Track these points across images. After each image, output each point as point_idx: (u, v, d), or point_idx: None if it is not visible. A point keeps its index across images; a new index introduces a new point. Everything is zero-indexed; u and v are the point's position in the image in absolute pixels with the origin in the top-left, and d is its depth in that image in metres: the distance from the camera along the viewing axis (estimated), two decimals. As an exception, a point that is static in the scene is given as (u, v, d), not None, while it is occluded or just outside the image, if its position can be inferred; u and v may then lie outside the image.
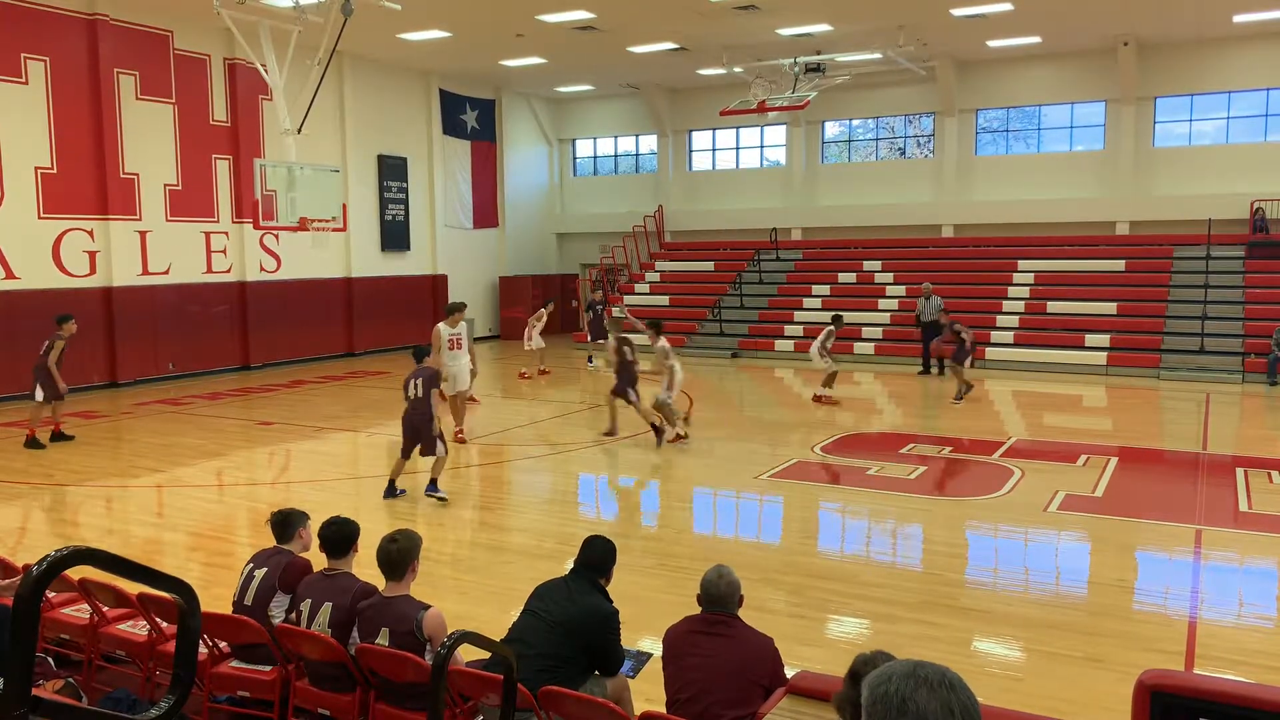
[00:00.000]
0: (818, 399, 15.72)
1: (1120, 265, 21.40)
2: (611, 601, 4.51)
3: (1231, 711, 2.61)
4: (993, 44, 21.41)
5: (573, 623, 4.30)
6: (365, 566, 4.86)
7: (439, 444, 9.73)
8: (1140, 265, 21.27)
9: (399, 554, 4.54)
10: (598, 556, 4.57)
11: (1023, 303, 21.30)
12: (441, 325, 12.48)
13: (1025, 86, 23.25)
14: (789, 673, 4.14)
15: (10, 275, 16.19)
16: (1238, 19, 19.29)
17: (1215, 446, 12.45)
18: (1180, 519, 8.98)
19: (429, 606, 4.45)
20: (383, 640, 4.37)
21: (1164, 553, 8.12)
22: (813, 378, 19.53)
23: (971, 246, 23.59)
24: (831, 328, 16.10)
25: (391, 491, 9.87)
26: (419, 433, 9.74)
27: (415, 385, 9.85)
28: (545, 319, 19.40)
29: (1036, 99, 23.43)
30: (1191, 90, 21.82)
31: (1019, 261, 22.37)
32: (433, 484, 9.83)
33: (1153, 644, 6.09)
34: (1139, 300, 20.43)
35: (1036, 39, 20.96)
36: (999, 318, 20.98)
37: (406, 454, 9.88)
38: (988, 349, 19.84)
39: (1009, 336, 20.41)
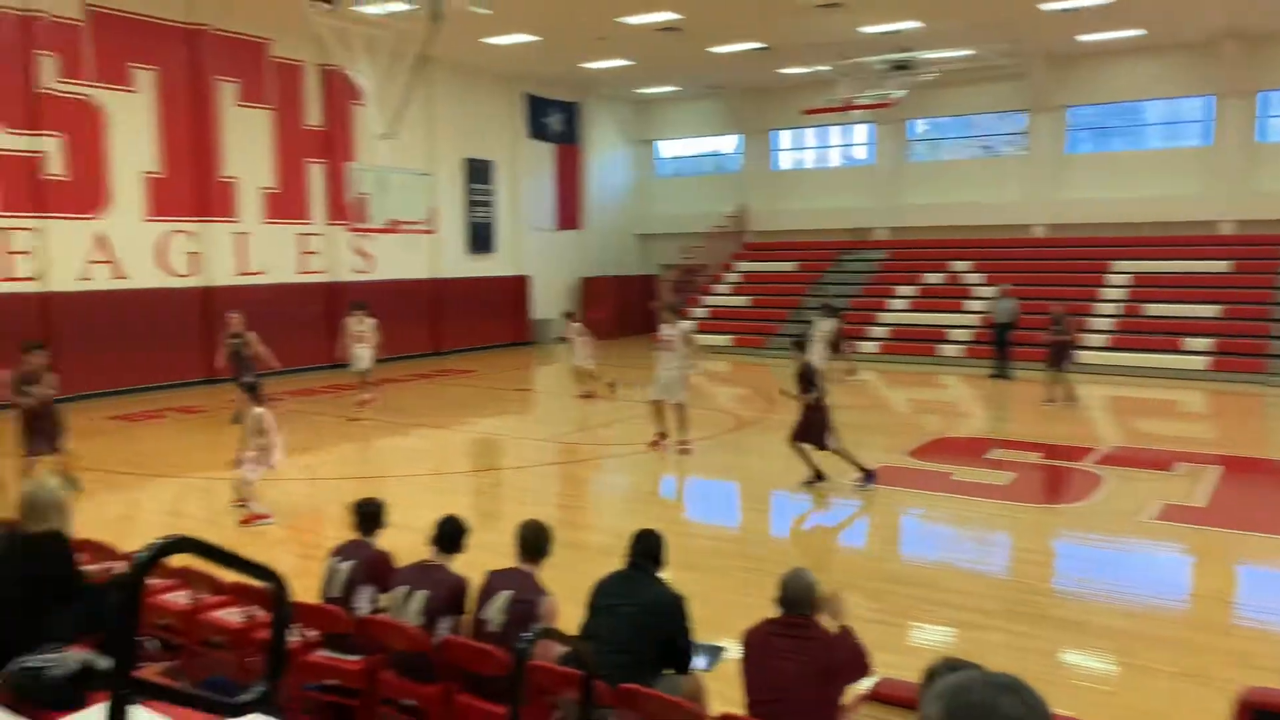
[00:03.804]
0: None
1: (1225, 266, 20.52)
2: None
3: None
4: (1085, 38, 20.76)
5: (645, 613, 4.38)
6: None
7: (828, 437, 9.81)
8: (1247, 266, 20.37)
9: (548, 540, 4.85)
10: (653, 547, 4.70)
11: (1117, 305, 20.61)
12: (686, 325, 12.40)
13: (1122, 81, 22.46)
14: (870, 680, 4.09)
15: (119, 275, 16.97)
16: (1354, 7, 18.33)
17: (1326, 456, 11.87)
18: (1286, 531, 8.58)
19: (550, 594, 4.62)
20: (500, 602, 4.51)
21: (1269, 566, 7.78)
22: (901, 380, 19.21)
23: (1064, 247, 22.90)
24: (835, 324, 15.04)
25: (817, 479, 9.96)
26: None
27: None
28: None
29: (1134, 94, 22.63)
30: (1303, 82, 20.83)
31: (1113, 262, 21.64)
32: (866, 474, 9.87)
33: (1254, 660, 5.84)
34: (1244, 303, 19.55)
35: (1134, 32, 20.23)
36: (1092, 320, 20.33)
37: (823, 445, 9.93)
38: (1079, 352, 19.24)
39: (1102, 340, 19.77)
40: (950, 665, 2.68)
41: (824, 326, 15.10)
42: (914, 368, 20.44)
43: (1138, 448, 12.47)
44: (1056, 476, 11.04)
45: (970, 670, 1.50)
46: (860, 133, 26.30)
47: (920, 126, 25.76)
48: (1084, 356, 19.20)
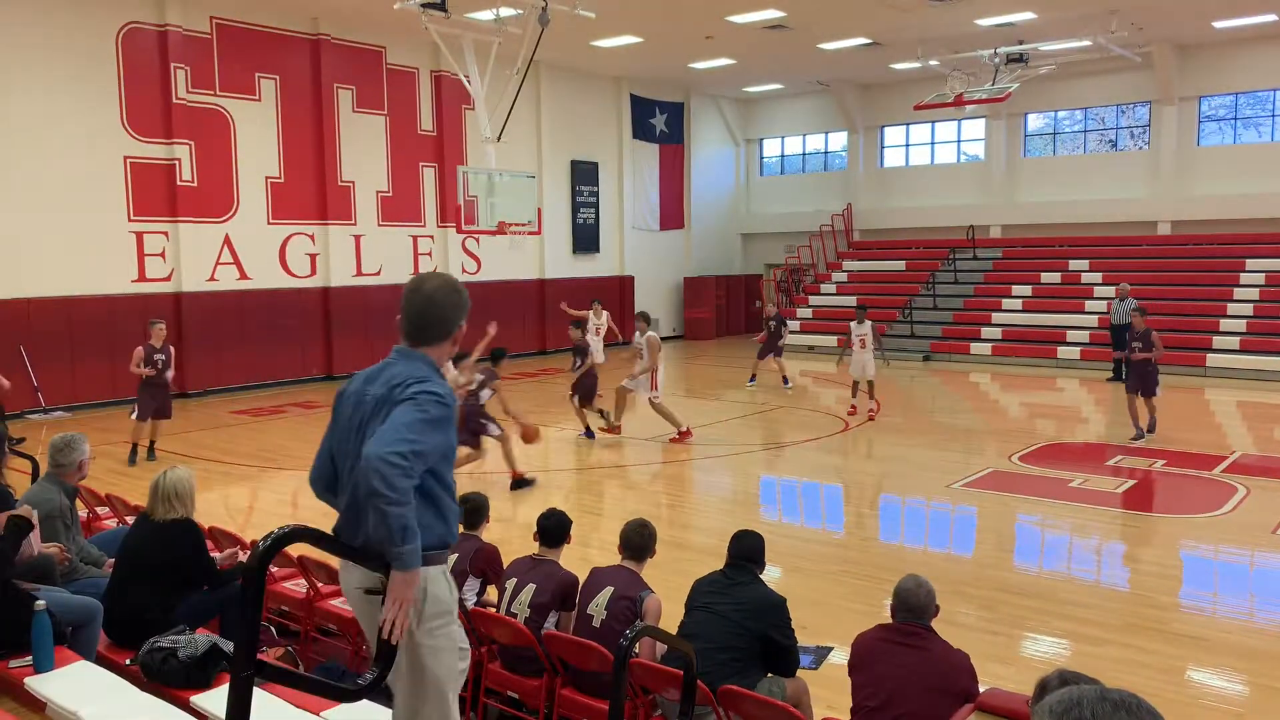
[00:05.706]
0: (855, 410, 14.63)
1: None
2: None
3: None
4: (1219, 25, 19.72)
5: (744, 613, 4.36)
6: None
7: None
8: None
9: (652, 539, 4.92)
10: (752, 548, 4.65)
11: (1250, 305, 19.54)
12: (852, 324, 14.78)
13: (1259, 69, 21.25)
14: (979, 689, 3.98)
15: (244, 276, 17.77)
16: None
17: None
18: None
19: (653, 592, 4.64)
20: (603, 598, 4.57)
21: None
22: (1015, 384, 18.63)
23: (1192, 245, 21.81)
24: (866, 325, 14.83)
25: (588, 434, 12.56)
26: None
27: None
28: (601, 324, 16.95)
29: (1268, 83, 21.38)
30: None
31: (1247, 261, 20.51)
32: (587, 432, 12.67)
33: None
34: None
35: (1272, 16, 19.13)
36: (1223, 322, 19.32)
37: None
38: (1209, 355, 18.36)
39: (1234, 342, 18.77)
40: (1063, 678, 2.60)
41: (859, 330, 14.81)
42: (1029, 370, 19.79)
43: (1273, 456, 11.79)
44: (1183, 485, 10.52)
45: (1084, 685, 1.44)
46: (974, 128, 25.60)
47: (1035, 121, 24.91)
48: (1214, 360, 18.35)
